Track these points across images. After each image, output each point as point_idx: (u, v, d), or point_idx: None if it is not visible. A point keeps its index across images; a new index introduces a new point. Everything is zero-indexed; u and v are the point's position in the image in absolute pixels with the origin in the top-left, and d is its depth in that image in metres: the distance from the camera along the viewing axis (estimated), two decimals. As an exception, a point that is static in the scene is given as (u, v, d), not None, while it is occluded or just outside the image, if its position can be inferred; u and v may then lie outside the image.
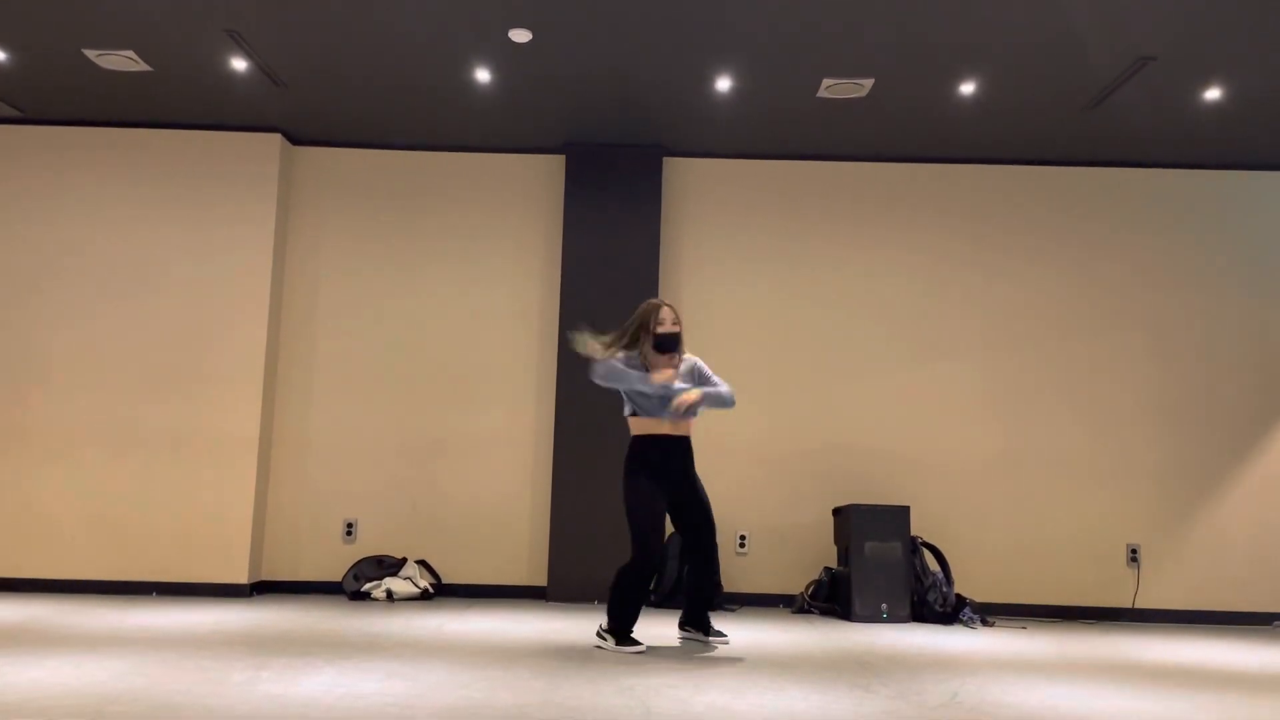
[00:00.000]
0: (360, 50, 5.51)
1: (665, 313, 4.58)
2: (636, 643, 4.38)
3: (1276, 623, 6.36)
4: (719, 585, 5.64)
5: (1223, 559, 6.45)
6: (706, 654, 4.36)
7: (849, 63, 5.51)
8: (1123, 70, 5.49)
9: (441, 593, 6.44)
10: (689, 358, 4.68)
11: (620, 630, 4.42)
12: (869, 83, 5.72)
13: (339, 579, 6.42)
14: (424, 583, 6.30)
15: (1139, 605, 6.40)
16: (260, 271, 6.50)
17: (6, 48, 5.56)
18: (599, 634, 4.48)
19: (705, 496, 4.65)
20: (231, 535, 6.27)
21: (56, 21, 5.25)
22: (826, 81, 5.72)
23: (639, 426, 4.57)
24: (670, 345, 4.56)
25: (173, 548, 6.26)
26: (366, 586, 6.21)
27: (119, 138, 6.60)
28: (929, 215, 6.79)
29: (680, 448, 4.58)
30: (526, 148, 6.80)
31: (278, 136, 6.60)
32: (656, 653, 4.37)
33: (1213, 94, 5.72)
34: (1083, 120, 6.14)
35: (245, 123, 6.54)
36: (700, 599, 4.71)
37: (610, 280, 6.56)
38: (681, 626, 4.77)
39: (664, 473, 4.52)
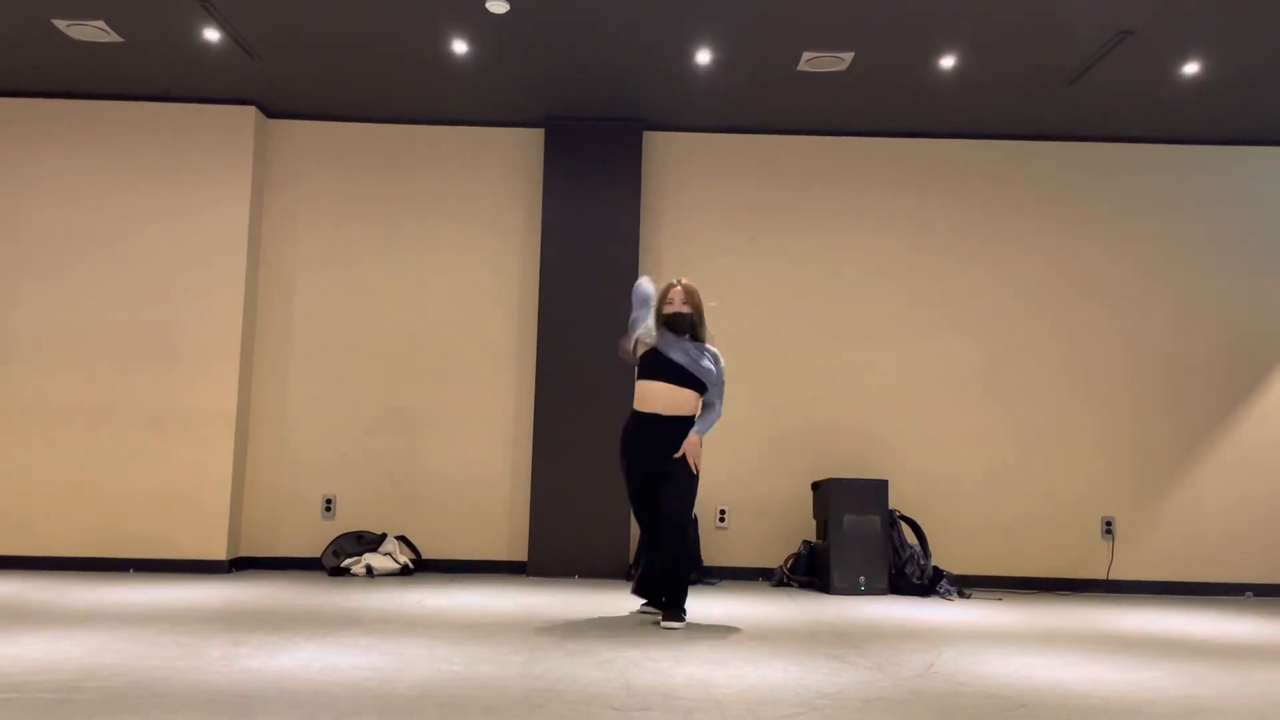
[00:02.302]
0: (336, 22, 5.43)
1: (674, 292, 4.67)
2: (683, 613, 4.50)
3: (1248, 593, 6.45)
4: (691, 565, 5.52)
5: (1196, 531, 6.53)
6: (687, 626, 4.38)
7: (829, 36, 5.48)
8: (1103, 44, 5.49)
9: (422, 568, 6.44)
10: (709, 349, 4.72)
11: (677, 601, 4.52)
12: (849, 56, 5.70)
13: (318, 555, 6.41)
14: (404, 558, 6.29)
15: (1113, 576, 6.48)
16: (236, 246, 6.43)
17: (-27, 17, 5.46)
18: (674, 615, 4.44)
19: (675, 490, 4.52)
20: (210, 511, 6.24)
21: (24, -10, 5.15)
22: (807, 55, 5.69)
23: (636, 402, 4.70)
24: (678, 325, 4.63)
25: (150, 524, 6.23)
26: (346, 562, 6.20)
27: (90, 110, 6.50)
28: (908, 190, 6.79)
29: (655, 425, 4.57)
30: (505, 121, 6.74)
31: (253, 109, 6.51)
32: (635, 626, 4.39)
33: (1192, 68, 5.73)
34: (1063, 95, 6.15)
35: (219, 95, 6.45)
36: (651, 576, 4.68)
37: (591, 255, 6.53)
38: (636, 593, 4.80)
39: (638, 447, 4.62)
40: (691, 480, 4.55)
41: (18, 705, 2.69)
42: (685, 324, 4.63)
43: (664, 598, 4.52)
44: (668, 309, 4.64)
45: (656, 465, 4.57)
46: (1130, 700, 3.12)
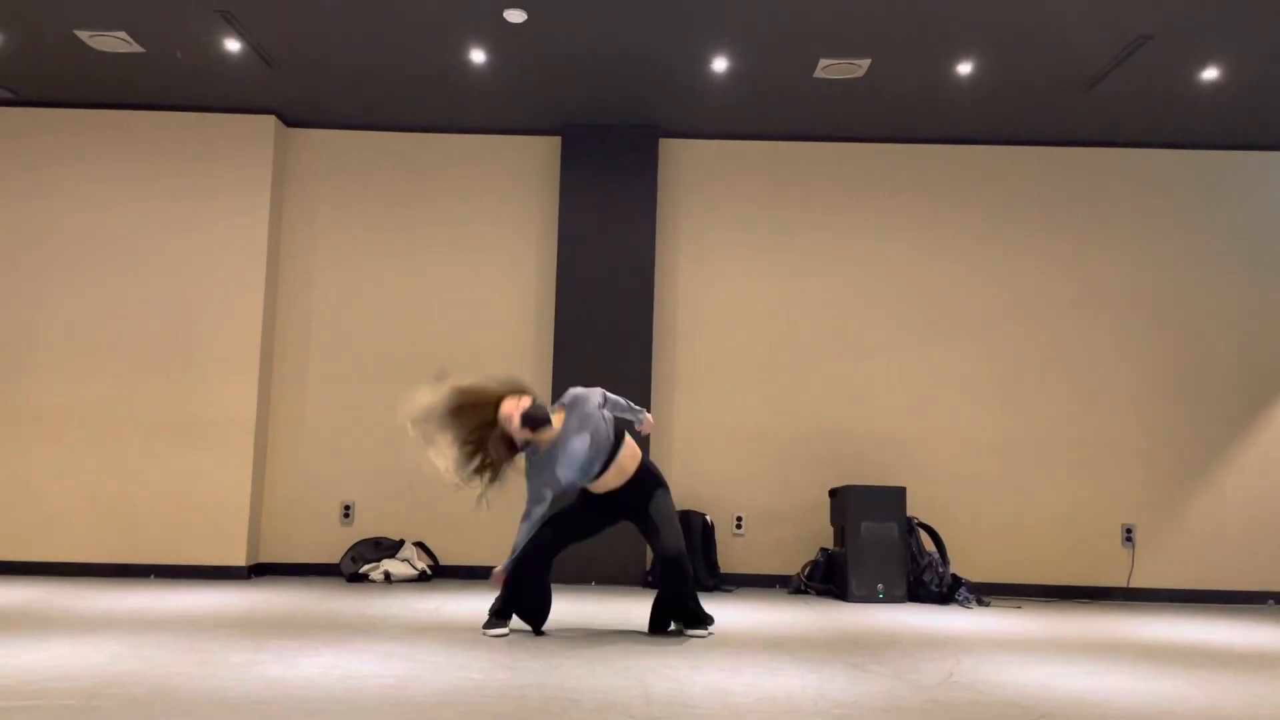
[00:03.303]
0: (354, 31, 5.47)
1: (507, 420, 4.00)
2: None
3: (1271, 601, 6.39)
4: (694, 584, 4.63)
5: (1218, 538, 6.48)
6: (704, 634, 4.37)
7: (846, 43, 5.48)
8: (1121, 50, 5.46)
9: (439, 574, 6.45)
10: (580, 400, 4.25)
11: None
12: (866, 63, 5.69)
13: (337, 561, 6.43)
14: (422, 564, 6.31)
15: (1134, 584, 6.43)
16: (255, 254, 6.48)
17: (-3, 29, 5.52)
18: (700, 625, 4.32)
19: (668, 519, 4.33)
20: (229, 518, 6.27)
21: (48, 2, 5.21)
22: (823, 62, 5.69)
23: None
24: (534, 422, 4.02)
25: (170, 530, 6.27)
26: (364, 568, 6.22)
27: (112, 120, 6.56)
28: (925, 196, 6.77)
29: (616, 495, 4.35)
30: (522, 129, 6.77)
31: (272, 118, 6.56)
32: (653, 634, 4.38)
33: (1211, 74, 5.70)
34: (1080, 100, 6.12)
35: (239, 104, 6.50)
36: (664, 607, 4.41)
37: (607, 262, 6.54)
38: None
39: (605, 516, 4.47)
40: (671, 505, 4.35)
41: (41, 712, 2.71)
42: (540, 419, 4.01)
43: (682, 621, 4.37)
44: (517, 429, 3.99)
45: (633, 513, 4.32)
46: (1153, 710, 3.10)
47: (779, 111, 6.41)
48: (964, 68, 5.72)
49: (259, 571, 6.44)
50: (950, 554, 6.20)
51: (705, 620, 4.36)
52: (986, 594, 6.11)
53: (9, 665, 3.32)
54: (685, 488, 6.51)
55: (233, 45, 5.65)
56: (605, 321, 6.48)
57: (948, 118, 6.44)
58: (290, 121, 6.74)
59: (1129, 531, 6.50)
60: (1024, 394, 6.61)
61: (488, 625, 4.24)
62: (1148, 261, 6.71)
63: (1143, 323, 6.66)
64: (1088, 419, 6.58)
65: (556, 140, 6.77)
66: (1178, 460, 6.54)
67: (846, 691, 3.23)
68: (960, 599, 5.81)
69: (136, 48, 5.70)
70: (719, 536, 6.42)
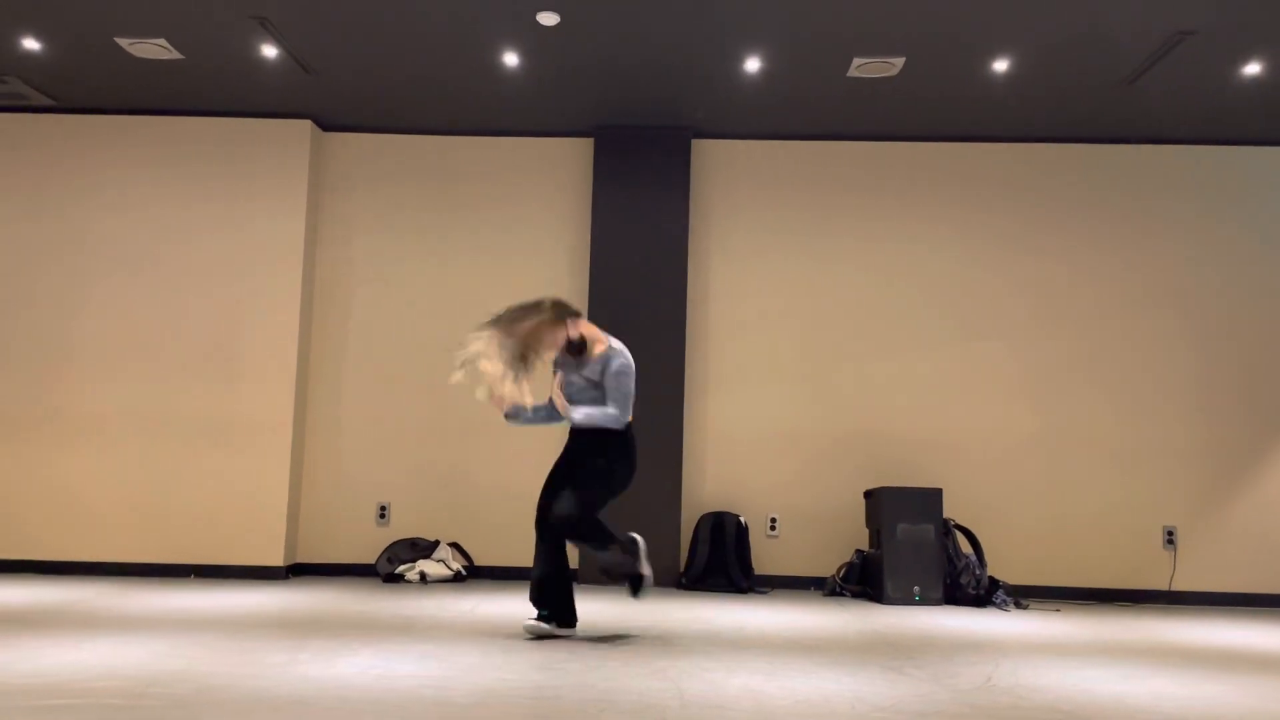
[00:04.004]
0: (389, 35, 5.51)
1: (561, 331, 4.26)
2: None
3: (1316, 605, 6.28)
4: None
5: (1262, 540, 6.37)
6: (739, 636, 4.37)
7: (880, 42, 5.45)
8: (1160, 46, 5.39)
9: (474, 575, 6.49)
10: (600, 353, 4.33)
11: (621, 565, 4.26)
12: (900, 61, 5.65)
13: (373, 561, 6.48)
14: (456, 565, 6.35)
15: (1175, 587, 6.34)
16: (292, 258, 6.55)
17: (41, 38, 5.62)
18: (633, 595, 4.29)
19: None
20: (267, 518, 6.34)
21: (89, 11, 5.29)
22: (857, 61, 5.66)
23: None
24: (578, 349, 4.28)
25: (210, 531, 6.35)
26: (400, 569, 6.27)
27: (151, 126, 6.66)
28: (961, 195, 6.72)
29: None
30: (555, 131, 6.79)
31: (308, 123, 6.63)
32: (688, 635, 4.38)
33: (1253, 69, 5.61)
34: (1118, 97, 6.05)
35: (275, 109, 6.58)
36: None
37: (639, 263, 6.55)
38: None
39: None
40: (596, 479, 4.32)
41: (87, 711, 2.75)
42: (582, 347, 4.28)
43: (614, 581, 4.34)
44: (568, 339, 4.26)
45: (569, 466, 4.37)
46: (1197, 715, 3.05)
47: (812, 111, 6.39)
48: (1000, 65, 5.67)
49: (296, 571, 6.51)
50: (988, 556, 6.14)
51: (627, 563, 4.22)
52: (1025, 597, 6.05)
53: (55, 664, 3.38)
54: (719, 489, 6.51)
55: (269, 51, 5.72)
56: (638, 323, 6.49)
57: (983, 116, 6.38)
58: (326, 126, 6.81)
59: (1170, 534, 6.41)
60: (1062, 394, 6.54)
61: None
62: (1188, 259, 6.61)
63: (1183, 321, 6.56)
64: (1127, 419, 6.49)
65: (589, 142, 6.79)
66: (1220, 461, 6.44)
67: (884, 695, 3.21)
68: (998, 601, 5.75)
69: (175, 54, 5.78)
70: (753, 538, 6.40)
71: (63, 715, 2.69)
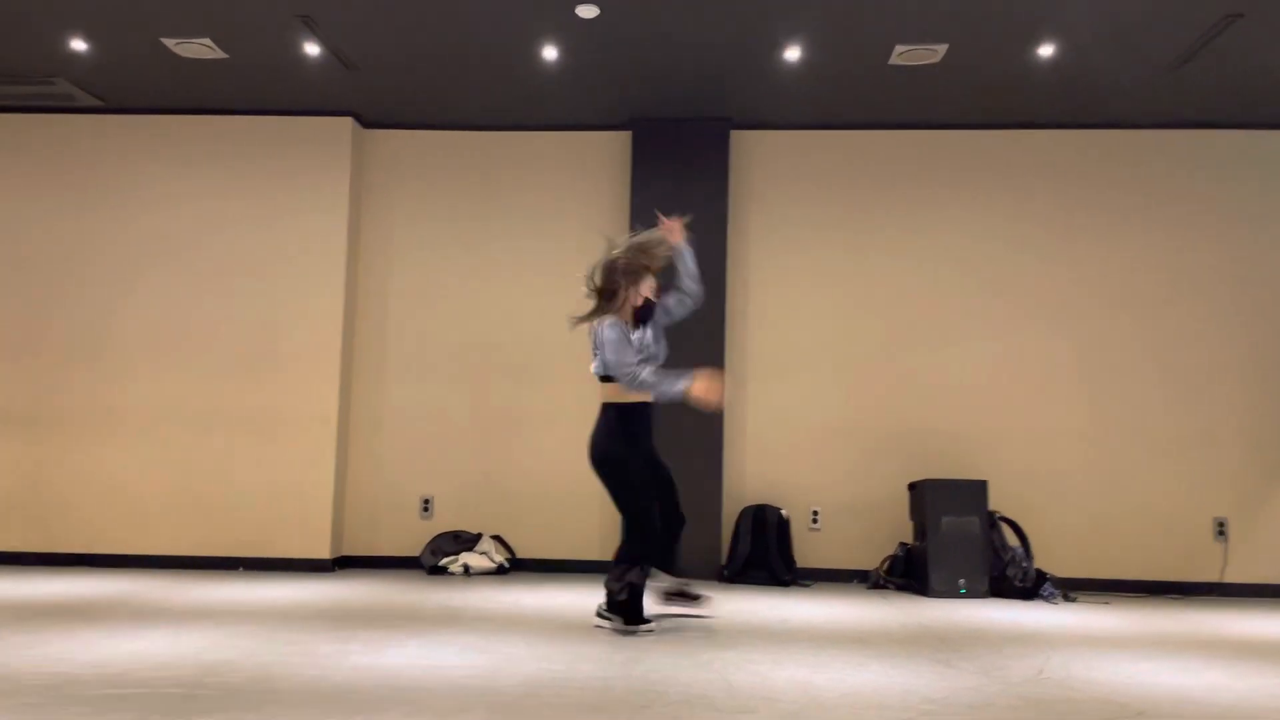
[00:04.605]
0: (429, 31, 5.54)
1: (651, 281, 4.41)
2: (647, 620, 4.22)
3: (1373, 598, 6.14)
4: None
5: (1316, 533, 6.24)
6: (784, 629, 4.35)
7: (921, 28, 5.39)
8: (1208, 28, 5.28)
9: (516, 567, 6.52)
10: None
11: (635, 608, 4.21)
12: (942, 48, 5.59)
13: (417, 554, 6.54)
14: (499, 557, 6.39)
15: (1226, 579, 6.23)
16: (335, 254, 6.61)
17: (88, 40, 5.71)
18: (601, 614, 4.28)
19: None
20: (313, 511, 6.42)
21: (135, 12, 5.37)
22: (898, 48, 5.61)
23: (626, 394, 4.32)
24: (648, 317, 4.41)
25: (257, 524, 6.43)
26: (444, 561, 6.31)
27: (195, 125, 6.74)
28: (1005, 184, 6.63)
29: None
30: (593, 125, 6.79)
31: (349, 120, 6.68)
32: (733, 627, 4.38)
33: (1306, 50, 5.49)
34: (1166, 81, 5.94)
35: (317, 107, 6.63)
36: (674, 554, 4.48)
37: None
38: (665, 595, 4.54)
39: (647, 440, 4.41)
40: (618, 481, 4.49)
41: (147, 700, 2.80)
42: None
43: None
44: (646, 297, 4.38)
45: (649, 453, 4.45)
46: (1255, 709, 3.00)
47: (853, 100, 6.33)
48: (1045, 50, 5.59)
49: (342, 564, 6.58)
50: (1034, 548, 6.07)
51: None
52: (1073, 590, 5.97)
53: (113, 655, 3.45)
54: (759, 482, 6.49)
55: (312, 49, 5.77)
56: (678, 315, 6.46)
57: (1028, 102, 6.30)
58: (367, 123, 6.86)
59: (1221, 525, 6.30)
60: (1110, 384, 6.44)
61: (636, 621, 4.19)
62: (1240, 246, 6.49)
63: (1234, 309, 6.44)
64: (1177, 409, 6.39)
65: (627, 135, 6.78)
66: (1273, 450, 6.31)
67: (934, 687, 3.19)
68: (1045, 594, 5.69)
69: (220, 54, 5.85)
70: (795, 531, 6.38)
71: (123, 705, 2.74)
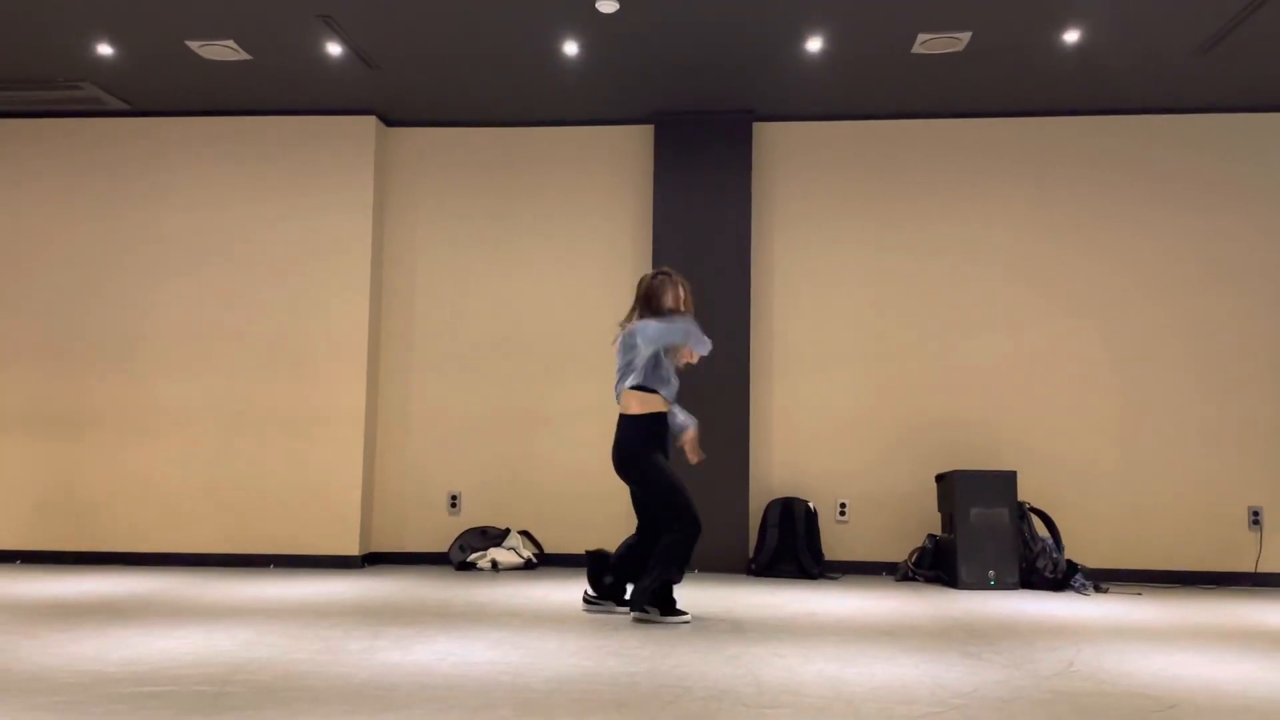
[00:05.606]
0: (450, 29, 5.55)
1: (680, 291, 4.73)
2: (683, 613, 4.34)
3: None
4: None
5: (1353, 521, 6.14)
6: (811, 622, 4.34)
7: (945, 16, 5.34)
8: (1241, 8, 5.20)
9: (544, 563, 6.54)
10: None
11: (668, 601, 4.34)
12: (966, 36, 5.54)
13: (445, 550, 6.57)
14: (527, 553, 6.41)
15: (1262, 569, 6.15)
16: (360, 252, 6.65)
17: (114, 44, 5.76)
18: (643, 610, 4.30)
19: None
20: (342, 508, 6.46)
21: (161, 16, 5.41)
22: (922, 36, 5.56)
23: (650, 404, 4.54)
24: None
25: (286, 521, 6.49)
26: (472, 557, 6.34)
27: (220, 126, 6.80)
28: (1032, 172, 6.57)
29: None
30: (615, 119, 6.79)
31: (372, 119, 6.71)
32: (761, 621, 4.37)
33: (1339, 30, 5.39)
34: (1196, 65, 5.85)
35: (340, 107, 6.67)
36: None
37: (702, 249, 6.52)
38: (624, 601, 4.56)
39: (664, 449, 4.60)
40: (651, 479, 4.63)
41: (177, 698, 2.83)
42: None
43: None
44: (676, 307, 4.73)
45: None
46: (1291, 702, 2.95)
47: (876, 90, 6.29)
48: (1070, 35, 5.52)
49: (371, 560, 6.63)
50: (1065, 539, 6.02)
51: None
52: (1104, 580, 5.92)
53: (145, 652, 3.49)
54: (786, 475, 6.47)
55: (334, 49, 5.79)
56: (702, 308, 6.43)
57: (1054, 89, 6.22)
58: (390, 121, 6.88)
59: (1256, 514, 6.21)
60: (1141, 373, 6.37)
61: (670, 613, 4.30)
62: (1274, 231, 6.38)
63: (1269, 295, 6.35)
64: (1209, 397, 6.30)
65: (649, 129, 6.77)
66: (1308, 439, 6.22)
67: (964, 680, 3.16)
68: (1076, 585, 5.64)
69: (244, 55, 5.89)
70: (822, 523, 6.36)
71: (156, 702, 2.77)
